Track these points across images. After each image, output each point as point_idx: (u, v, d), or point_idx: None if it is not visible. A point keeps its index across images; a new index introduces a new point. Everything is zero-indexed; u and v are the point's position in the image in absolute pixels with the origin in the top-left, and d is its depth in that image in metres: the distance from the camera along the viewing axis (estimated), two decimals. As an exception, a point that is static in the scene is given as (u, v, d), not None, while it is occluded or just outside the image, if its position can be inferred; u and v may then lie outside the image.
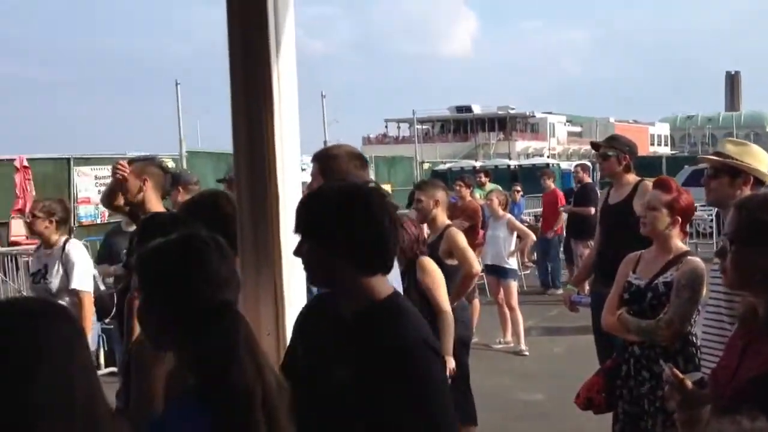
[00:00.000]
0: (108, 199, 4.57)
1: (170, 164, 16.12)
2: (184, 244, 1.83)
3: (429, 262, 4.51)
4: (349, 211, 1.94)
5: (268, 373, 1.72)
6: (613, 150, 4.97)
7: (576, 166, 13.39)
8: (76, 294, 5.15)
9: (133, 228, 4.59)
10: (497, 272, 8.63)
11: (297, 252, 2.02)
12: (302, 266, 2.05)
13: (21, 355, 1.28)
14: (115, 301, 4.66)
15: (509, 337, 8.59)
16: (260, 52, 2.53)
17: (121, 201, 4.43)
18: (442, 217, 5.30)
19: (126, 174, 4.15)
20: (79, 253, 5.28)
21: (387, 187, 22.64)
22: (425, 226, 5.22)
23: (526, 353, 8.23)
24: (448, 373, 4.31)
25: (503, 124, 71.21)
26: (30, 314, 1.35)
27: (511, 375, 7.57)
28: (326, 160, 3.03)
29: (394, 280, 2.88)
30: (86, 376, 1.35)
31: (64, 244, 5.23)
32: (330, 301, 2.10)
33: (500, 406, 6.22)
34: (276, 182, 2.56)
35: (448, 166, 30.14)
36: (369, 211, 1.95)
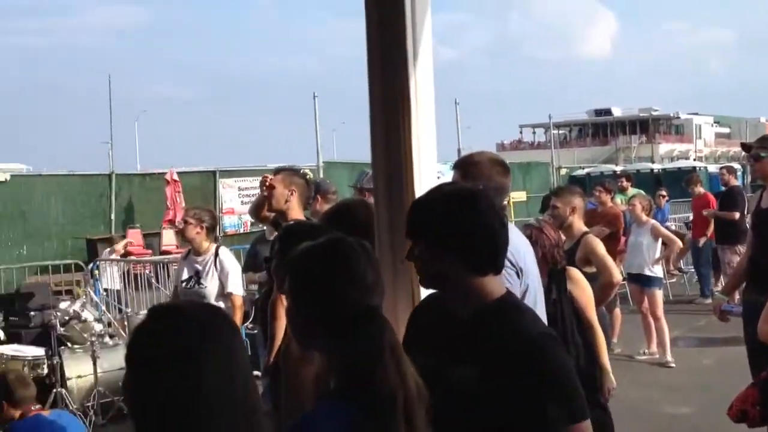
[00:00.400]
0: (256, 211, 4.77)
1: (309, 175, 16.59)
2: (331, 248, 1.87)
3: (579, 274, 4.37)
4: (458, 213, 1.97)
5: (410, 378, 1.73)
6: (766, 151, 4.69)
7: (722, 168, 12.72)
8: (230, 298, 5.40)
9: (273, 237, 4.79)
10: (641, 280, 8.31)
11: (409, 255, 2.05)
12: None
13: (189, 357, 1.35)
14: (260, 306, 4.83)
15: (654, 348, 8.26)
16: (398, 60, 2.57)
17: (267, 213, 4.63)
18: (578, 224, 5.19)
19: (275, 183, 4.33)
20: (232, 260, 5.57)
21: (522, 194, 22.34)
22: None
23: (673, 365, 7.88)
24: (607, 390, 4.21)
25: (645, 126, 68.57)
26: (198, 318, 1.43)
27: (657, 387, 7.27)
28: (468, 167, 3.02)
29: (529, 287, 2.84)
30: (245, 376, 1.41)
31: (217, 250, 5.51)
32: (441, 301, 2.12)
33: (645, 419, 5.99)
34: (413, 189, 2.58)
35: (586, 171, 29.36)
36: (478, 213, 1.98)
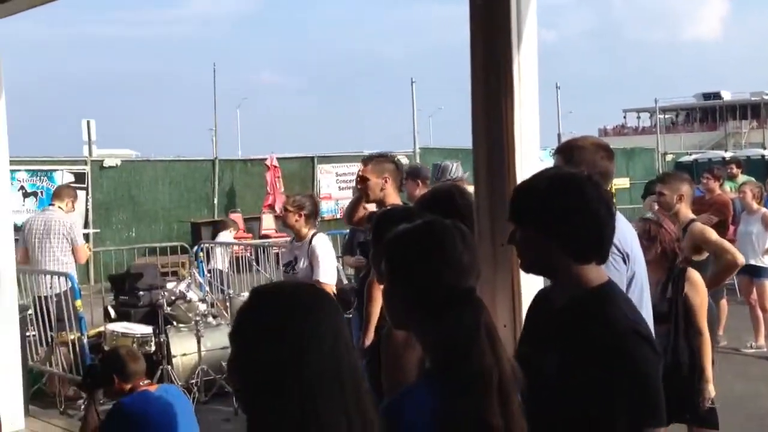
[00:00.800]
0: (349, 217, 4.80)
1: (404, 160, 16.65)
2: (427, 230, 1.87)
3: (698, 277, 4.21)
4: (563, 198, 1.92)
5: (505, 361, 1.73)
6: None
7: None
8: (318, 286, 5.42)
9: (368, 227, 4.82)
10: (750, 271, 7.95)
11: (511, 239, 2.02)
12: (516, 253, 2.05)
13: (298, 336, 1.38)
14: (356, 289, 4.88)
15: (762, 341, 7.91)
16: (502, 43, 2.53)
17: (361, 213, 4.67)
18: (685, 212, 5.01)
19: (367, 174, 4.36)
20: (324, 248, 5.51)
21: (625, 181, 21.73)
22: None
23: (782, 359, 7.54)
24: (708, 400, 4.06)
25: (757, 110, 65.43)
26: (300, 298, 1.45)
27: (765, 382, 6.96)
28: (571, 152, 2.96)
29: (636, 274, 2.76)
30: (350, 354, 1.42)
31: (312, 237, 5.54)
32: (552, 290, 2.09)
33: (751, 413, 5.75)
34: (514, 175, 2.55)
35: (693, 157, 28.22)
36: (584, 199, 1.92)
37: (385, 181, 4.36)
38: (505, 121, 2.56)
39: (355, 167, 17.07)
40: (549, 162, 3.08)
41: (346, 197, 19.10)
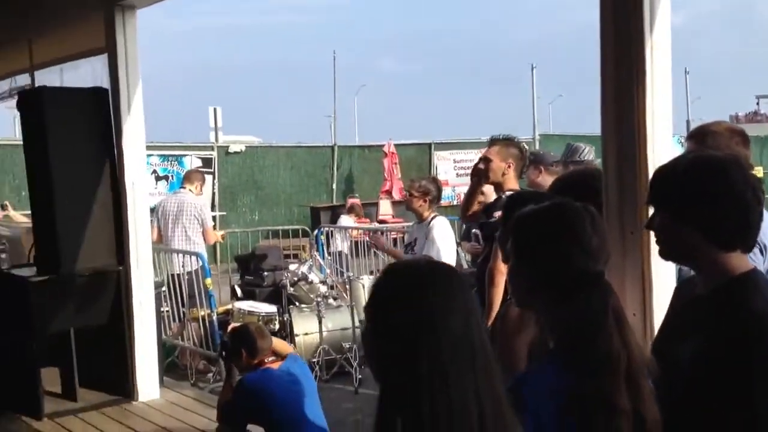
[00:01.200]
0: (464, 209, 4.79)
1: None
2: (557, 211, 1.86)
3: None
4: (706, 182, 1.82)
5: (634, 346, 1.70)
6: None
7: None
8: None
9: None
10: None
11: (649, 225, 1.96)
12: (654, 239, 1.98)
13: (430, 310, 1.42)
14: (476, 273, 4.89)
15: None
16: (633, 27, 2.48)
17: (476, 207, 4.66)
18: None
19: (491, 156, 4.36)
20: (442, 231, 5.56)
21: (758, 170, 20.62)
22: None
23: None
24: None
25: None
26: (439, 274, 1.49)
27: None
28: (704, 137, 2.86)
29: None
30: (480, 331, 1.45)
31: (431, 219, 5.62)
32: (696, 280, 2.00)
33: None
34: (645, 162, 2.50)
35: (832, 146, 26.47)
36: (728, 183, 1.82)
37: (509, 166, 4.34)
38: (636, 107, 2.51)
39: (473, 154, 17.05)
40: (678, 150, 2.99)
41: (463, 184, 19.04)
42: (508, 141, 4.51)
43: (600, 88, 2.62)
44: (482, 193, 4.83)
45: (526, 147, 4.63)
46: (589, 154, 5.13)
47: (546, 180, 4.80)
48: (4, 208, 8.48)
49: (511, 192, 4.13)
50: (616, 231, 2.54)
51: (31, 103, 5.62)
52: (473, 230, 4.94)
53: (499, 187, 4.40)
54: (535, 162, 5.14)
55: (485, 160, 4.41)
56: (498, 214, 3.63)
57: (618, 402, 1.65)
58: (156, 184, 15.39)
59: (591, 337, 1.68)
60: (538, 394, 1.70)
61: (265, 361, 4.04)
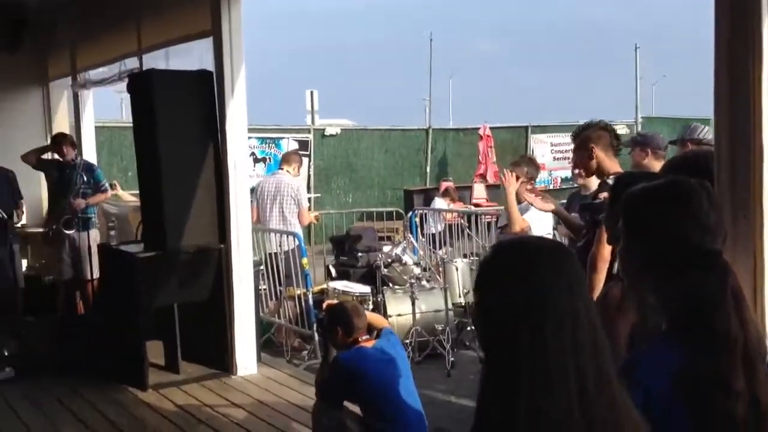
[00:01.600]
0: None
1: (624, 131, 16.00)
2: (671, 186, 1.80)
3: None
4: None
5: (751, 328, 1.65)
6: None
7: None
8: None
9: (589, 193, 4.71)
10: None
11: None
12: None
13: (538, 286, 1.41)
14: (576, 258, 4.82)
15: None
16: (750, 5, 2.37)
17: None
18: None
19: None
20: (540, 213, 5.54)
21: None
22: None
23: None
24: None
25: None
26: (547, 251, 1.48)
27: None
28: None
29: None
30: (588, 310, 1.43)
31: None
32: None
33: None
34: (761, 144, 2.40)
35: None
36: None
37: (591, 151, 4.13)
38: (752, 87, 2.40)
39: (570, 138, 16.65)
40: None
41: (561, 168, 18.75)
42: (589, 127, 4.28)
43: (714, 66, 2.52)
44: (582, 177, 4.73)
45: (613, 127, 4.43)
46: (708, 133, 4.91)
47: (653, 164, 4.65)
48: (113, 187, 8.89)
49: (617, 173, 4.01)
50: (727, 215, 2.45)
51: (140, 85, 5.84)
52: (572, 214, 4.83)
53: (601, 174, 4.27)
54: (643, 144, 4.96)
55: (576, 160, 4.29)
56: (604, 195, 3.54)
57: (734, 383, 1.60)
58: (254, 166, 15.74)
59: (708, 316, 1.63)
60: (651, 373, 1.66)
61: (360, 339, 4.09)
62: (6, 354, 6.52)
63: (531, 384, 1.35)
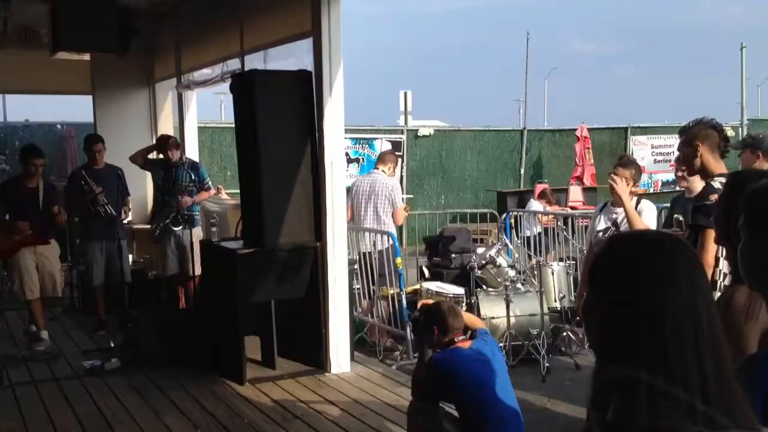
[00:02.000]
0: None
1: (730, 133, 15.35)
2: None
3: None
4: None
5: None
6: None
7: None
8: None
9: (692, 195, 4.54)
10: None
11: None
12: None
13: (654, 280, 1.36)
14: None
15: None
16: None
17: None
18: None
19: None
20: (648, 214, 5.56)
21: None
22: None
23: None
24: None
25: None
26: (666, 246, 1.42)
27: None
28: None
29: None
30: (705, 303, 1.37)
31: (637, 203, 5.54)
32: None
33: None
34: None
35: None
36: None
37: (696, 149, 3.96)
38: None
39: (672, 139, 16.16)
40: None
41: (662, 171, 18.17)
42: (695, 125, 4.11)
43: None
44: (685, 179, 4.57)
45: (723, 126, 4.23)
46: None
47: (763, 166, 4.45)
48: (218, 191, 9.21)
49: (722, 174, 3.84)
50: None
51: (243, 85, 5.97)
52: (675, 215, 4.67)
53: (704, 175, 4.10)
54: (753, 146, 4.75)
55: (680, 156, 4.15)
56: (714, 197, 3.40)
57: None
58: (348, 166, 15.91)
59: None
60: None
61: (456, 339, 4.06)
62: (113, 345, 6.80)
63: (649, 381, 1.30)
